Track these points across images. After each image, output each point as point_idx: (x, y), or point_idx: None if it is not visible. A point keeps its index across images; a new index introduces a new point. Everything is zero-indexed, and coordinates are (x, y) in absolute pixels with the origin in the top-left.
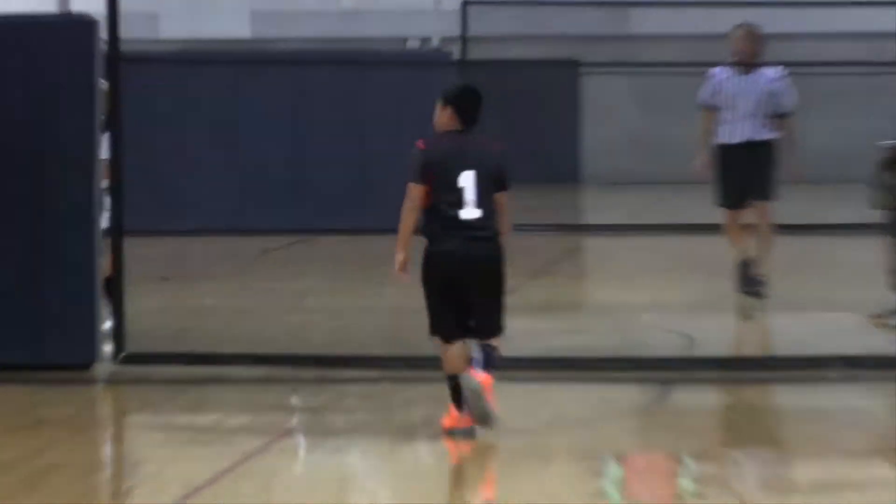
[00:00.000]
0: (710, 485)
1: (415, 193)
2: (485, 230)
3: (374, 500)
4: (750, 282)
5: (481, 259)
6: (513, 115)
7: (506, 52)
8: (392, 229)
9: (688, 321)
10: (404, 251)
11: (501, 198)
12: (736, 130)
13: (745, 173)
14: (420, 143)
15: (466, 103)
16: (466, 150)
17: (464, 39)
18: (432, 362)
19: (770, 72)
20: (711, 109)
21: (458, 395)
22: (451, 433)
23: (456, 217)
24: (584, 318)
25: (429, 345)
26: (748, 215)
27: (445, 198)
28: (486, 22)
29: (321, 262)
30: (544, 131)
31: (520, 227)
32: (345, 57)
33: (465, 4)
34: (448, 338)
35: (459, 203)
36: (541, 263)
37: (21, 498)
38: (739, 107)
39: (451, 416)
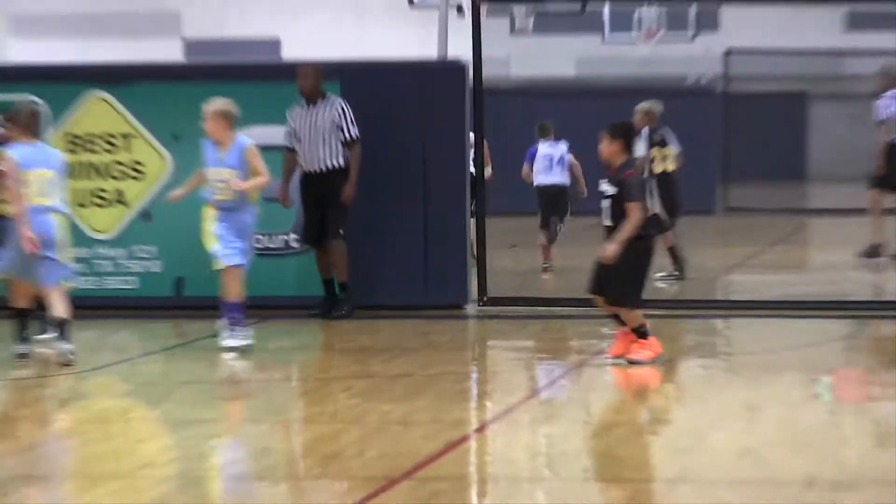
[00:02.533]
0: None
1: (642, 209)
2: None
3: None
4: None
5: None
6: (757, 129)
7: (756, 87)
8: None
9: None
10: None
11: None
12: None
13: None
14: (633, 171)
15: (631, 137)
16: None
17: (726, 78)
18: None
19: None
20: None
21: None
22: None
23: (652, 221)
24: (807, 273)
25: None
26: None
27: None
28: (742, 64)
29: None
30: (780, 142)
31: (761, 210)
32: (646, 88)
33: (727, 54)
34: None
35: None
36: (777, 235)
37: (417, 396)
38: None
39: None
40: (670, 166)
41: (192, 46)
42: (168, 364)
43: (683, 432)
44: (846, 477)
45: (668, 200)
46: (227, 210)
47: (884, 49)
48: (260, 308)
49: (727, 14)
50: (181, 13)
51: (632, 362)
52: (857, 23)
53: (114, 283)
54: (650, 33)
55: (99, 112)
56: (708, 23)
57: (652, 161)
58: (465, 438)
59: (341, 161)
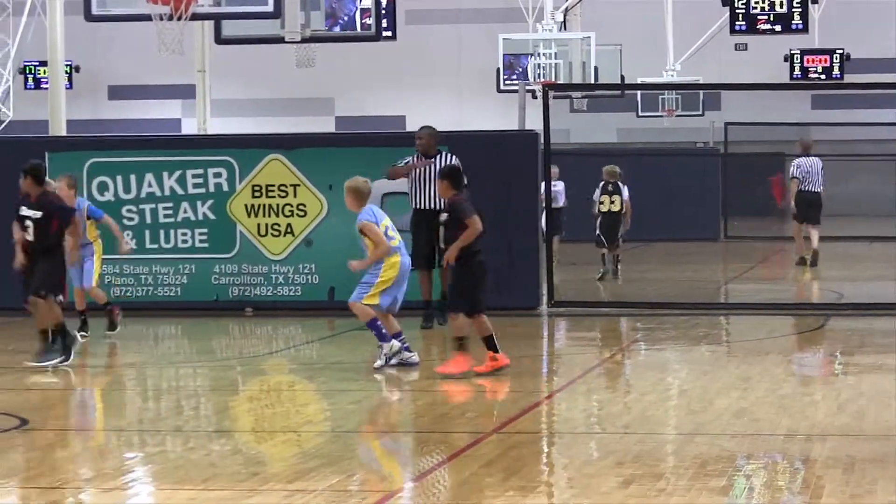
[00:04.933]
0: None
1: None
2: None
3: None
4: None
5: None
6: (748, 179)
7: (747, 148)
8: None
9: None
10: None
11: None
12: None
13: None
14: (461, 197)
15: (455, 179)
16: None
17: (725, 142)
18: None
19: None
20: None
21: None
22: None
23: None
24: (784, 283)
25: None
26: None
27: None
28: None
29: None
30: (764, 188)
31: (752, 238)
32: (667, 150)
33: (726, 125)
34: None
35: None
36: (763, 256)
37: (493, 377)
38: None
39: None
40: (615, 208)
41: (341, 121)
42: (322, 349)
43: (696, 398)
44: (816, 431)
45: (610, 229)
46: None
47: (839, 122)
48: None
49: (726, 97)
50: (335, 98)
51: (444, 375)
52: (818, 103)
53: (284, 292)
54: (670, 111)
55: (275, 168)
56: (712, 104)
57: (601, 204)
58: (537, 403)
59: None
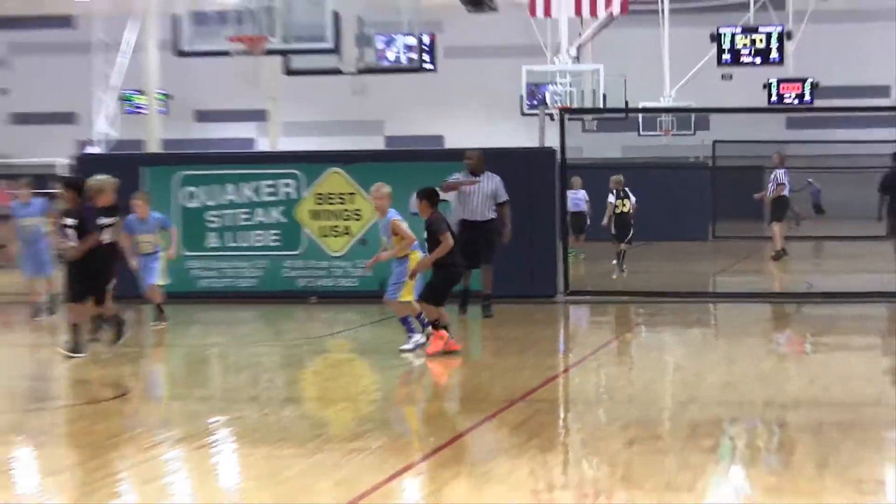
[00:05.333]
0: None
1: (448, 237)
2: None
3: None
4: None
5: None
6: (733, 188)
7: (732, 163)
8: None
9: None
10: None
11: None
12: None
13: None
14: (437, 214)
15: (432, 198)
16: None
17: (713, 157)
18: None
19: None
20: None
21: None
22: None
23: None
24: (764, 275)
25: None
26: None
27: None
28: (724, 149)
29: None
30: (747, 195)
31: (736, 237)
32: (664, 164)
33: (714, 143)
34: None
35: None
36: (746, 253)
37: (526, 350)
38: None
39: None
40: (626, 209)
41: (390, 140)
42: (375, 331)
43: (690, 373)
44: (790, 400)
45: (622, 227)
46: (396, 259)
47: (810, 140)
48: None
49: (714, 119)
50: (384, 121)
51: (428, 355)
52: (792, 124)
53: (344, 283)
54: (667, 131)
55: (334, 180)
56: (702, 125)
57: (616, 207)
58: (555, 376)
59: (493, 214)
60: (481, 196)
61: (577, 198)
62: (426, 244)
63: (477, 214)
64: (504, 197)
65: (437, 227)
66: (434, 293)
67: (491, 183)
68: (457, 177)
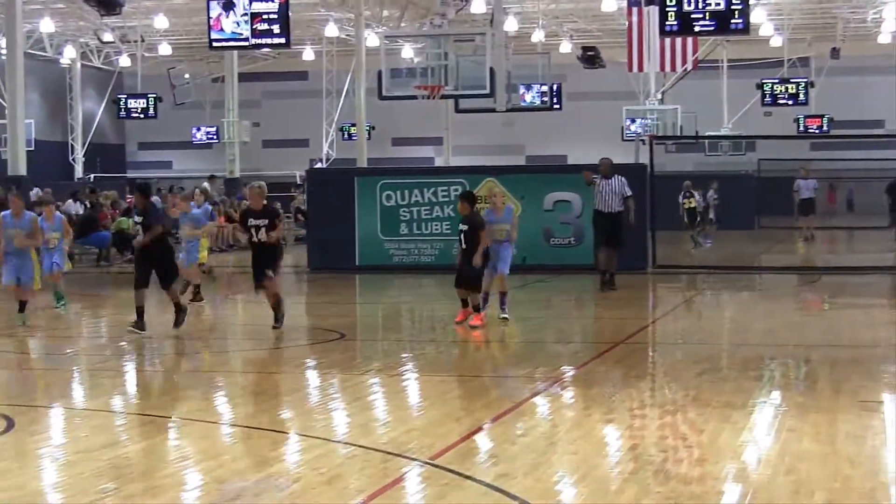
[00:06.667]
0: None
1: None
2: None
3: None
4: None
5: None
6: (775, 192)
7: (773, 174)
8: None
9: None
10: None
11: None
12: None
13: None
14: (475, 212)
15: (472, 200)
16: None
17: (759, 170)
18: None
19: None
20: None
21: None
22: None
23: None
24: (795, 254)
25: None
26: None
27: None
28: (768, 164)
29: None
30: (784, 196)
31: (777, 227)
32: (724, 175)
33: (759, 160)
34: None
35: None
36: (784, 238)
37: (624, 306)
38: None
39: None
40: (692, 205)
41: (529, 158)
42: (518, 295)
43: (741, 323)
44: (813, 343)
45: (691, 218)
46: (501, 244)
47: (829, 158)
48: (554, 270)
49: (759, 144)
50: (525, 144)
51: (472, 327)
52: (815, 147)
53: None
54: (725, 151)
55: (489, 186)
56: (750, 147)
57: (684, 204)
58: (645, 326)
59: (621, 207)
60: (611, 193)
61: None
62: (462, 237)
63: (608, 207)
64: (628, 192)
65: (477, 223)
66: (479, 281)
67: (618, 183)
68: (596, 178)
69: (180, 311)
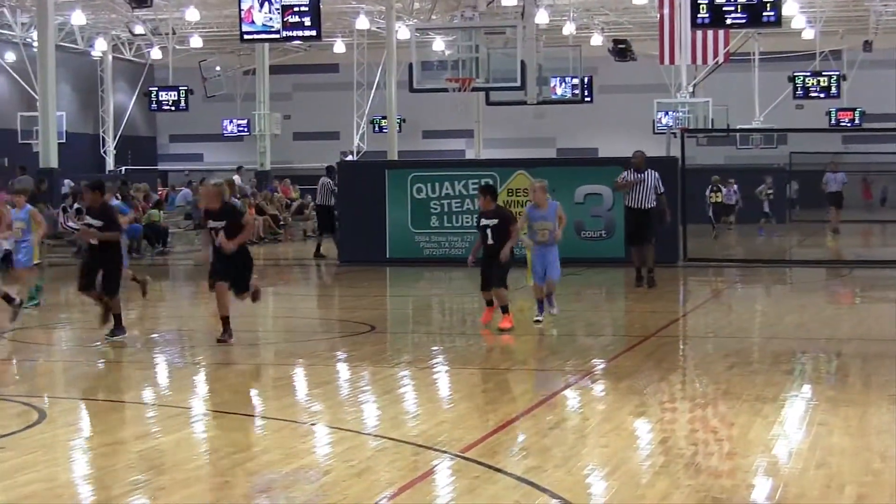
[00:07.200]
0: None
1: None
2: None
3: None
4: None
5: None
6: (805, 185)
7: (805, 168)
8: None
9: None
10: None
11: None
12: None
13: None
14: (501, 206)
15: (493, 193)
16: None
17: (790, 164)
18: None
19: None
20: None
21: None
22: None
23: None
24: (825, 248)
25: None
26: None
27: None
28: (798, 158)
29: None
30: (816, 188)
31: (810, 221)
32: (757, 169)
33: (791, 153)
34: None
35: None
36: (815, 231)
37: (655, 299)
38: None
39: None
40: (719, 199)
41: (560, 151)
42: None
43: (772, 316)
44: (844, 336)
45: (718, 212)
46: (545, 246)
47: (860, 151)
48: (585, 263)
49: (791, 137)
50: (556, 137)
51: (501, 330)
52: (846, 140)
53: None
54: (756, 145)
55: (521, 179)
56: (782, 140)
57: (710, 197)
58: (675, 319)
59: (654, 203)
60: (644, 189)
61: (725, 191)
62: (488, 231)
63: (641, 203)
64: (661, 189)
65: (506, 217)
66: (503, 279)
67: (651, 178)
68: (625, 175)
69: (118, 320)
